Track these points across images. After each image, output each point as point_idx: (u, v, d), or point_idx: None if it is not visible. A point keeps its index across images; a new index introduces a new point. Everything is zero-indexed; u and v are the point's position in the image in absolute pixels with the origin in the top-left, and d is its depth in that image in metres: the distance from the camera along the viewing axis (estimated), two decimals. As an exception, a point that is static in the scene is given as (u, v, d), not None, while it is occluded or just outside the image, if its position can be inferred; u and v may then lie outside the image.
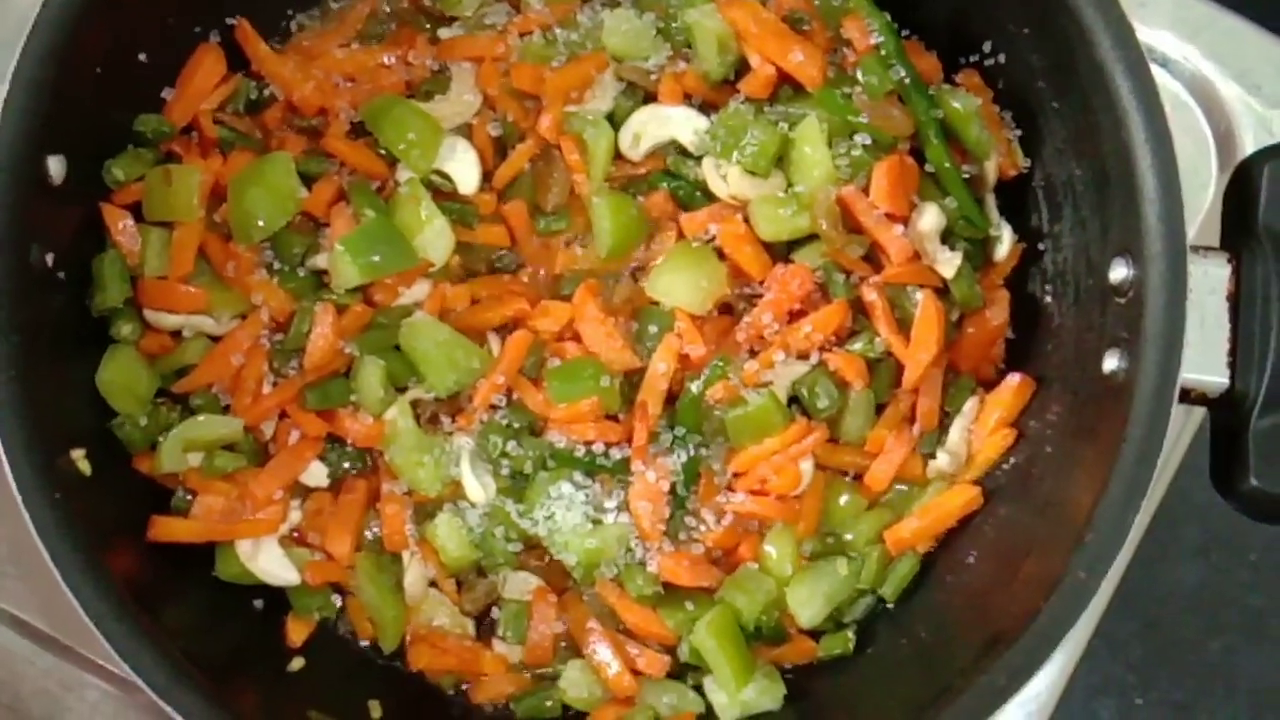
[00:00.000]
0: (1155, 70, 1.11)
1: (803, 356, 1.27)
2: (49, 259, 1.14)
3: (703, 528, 1.27)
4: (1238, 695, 1.94)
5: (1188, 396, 1.11)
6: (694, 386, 1.26)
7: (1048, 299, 1.26)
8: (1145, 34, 1.24)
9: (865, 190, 1.25)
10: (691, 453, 1.26)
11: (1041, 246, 1.27)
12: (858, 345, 1.27)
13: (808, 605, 1.27)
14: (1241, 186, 1.15)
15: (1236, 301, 1.11)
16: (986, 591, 1.21)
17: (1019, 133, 1.27)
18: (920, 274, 1.26)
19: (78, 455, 1.14)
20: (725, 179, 1.27)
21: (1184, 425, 1.41)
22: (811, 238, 1.27)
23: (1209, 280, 1.11)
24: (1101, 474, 1.08)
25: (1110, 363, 1.12)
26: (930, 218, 1.25)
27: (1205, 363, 1.10)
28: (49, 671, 1.32)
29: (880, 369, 1.28)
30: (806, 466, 1.26)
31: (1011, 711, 1.31)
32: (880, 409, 1.29)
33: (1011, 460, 1.27)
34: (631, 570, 1.25)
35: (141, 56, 1.24)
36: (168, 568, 1.21)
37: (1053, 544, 1.12)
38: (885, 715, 1.23)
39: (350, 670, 1.30)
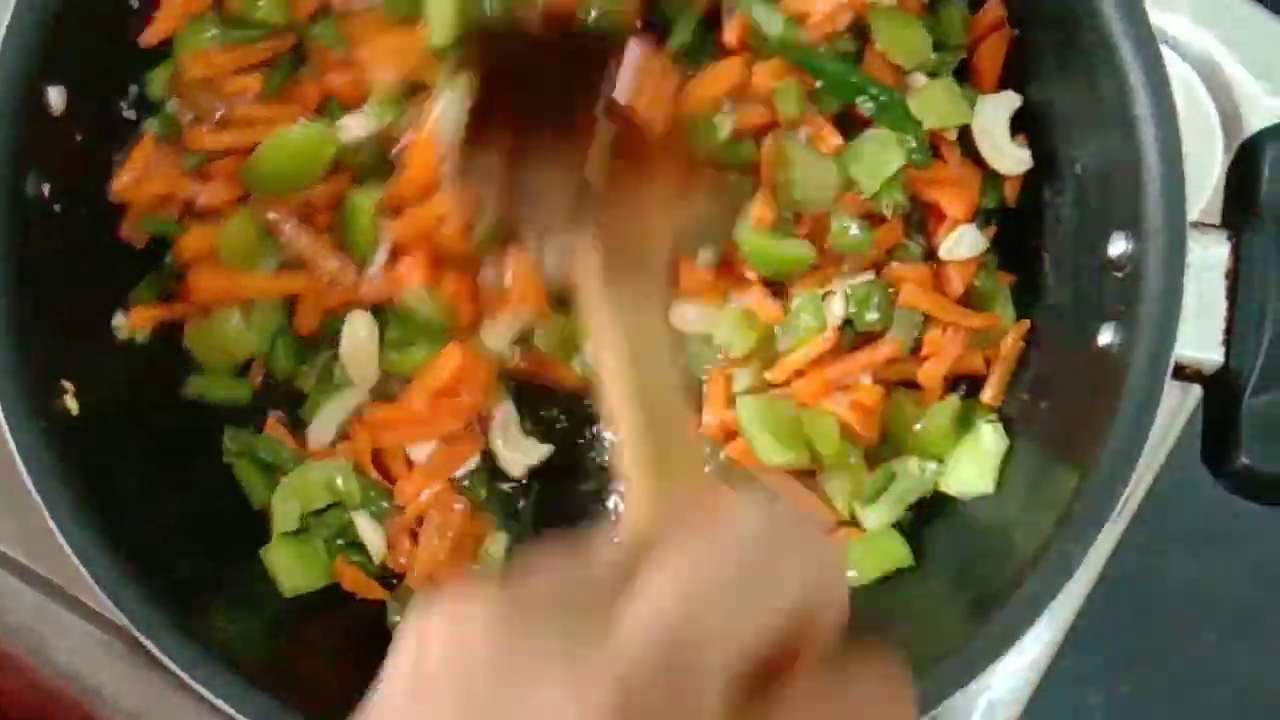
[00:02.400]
0: (1164, 51, 1.11)
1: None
2: (45, 189, 1.14)
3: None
4: (1228, 686, 1.94)
5: (1182, 373, 1.10)
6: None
7: (1045, 272, 1.26)
8: (1156, 16, 1.23)
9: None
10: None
11: (1041, 219, 1.27)
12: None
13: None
14: (1244, 165, 1.15)
15: (1235, 279, 1.11)
16: (969, 565, 1.22)
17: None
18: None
19: (67, 389, 1.14)
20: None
21: (1176, 411, 1.40)
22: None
23: (1208, 257, 1.11)
24: (1092, 446, 1.08)
25: (1105, 336, 1.12)
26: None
27: (1201, 339, 1.10)
28: (32, 607, 1.32)
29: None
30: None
31: (996, 688, 1.31)
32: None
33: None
34: None
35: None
36: (153, 498, 1.21)
37: (1038, 516, 1.12)
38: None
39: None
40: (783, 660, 0.60)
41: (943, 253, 1.28)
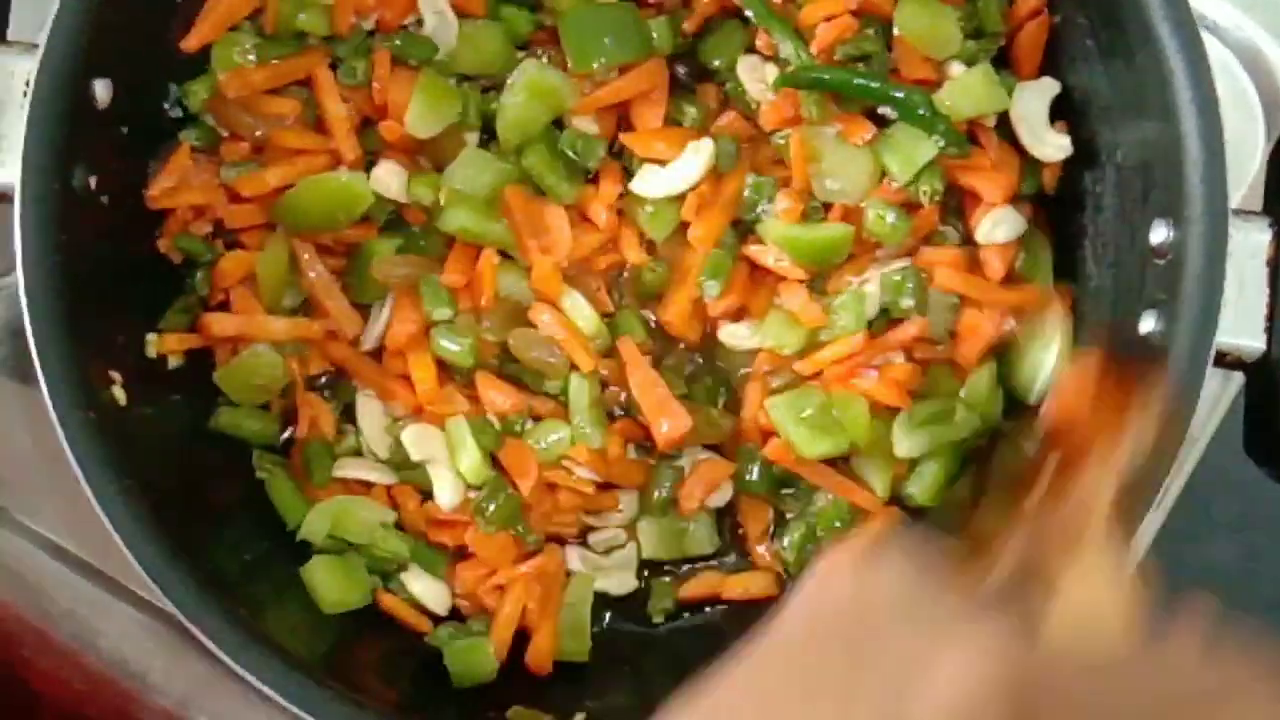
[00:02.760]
0: (1205, 37, 1.10)
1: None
2: (92, 182, 1.14)
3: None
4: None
5: (1224, 360, 1.10)
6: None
7: (1087, 260, 1.25)
8: (1197, 1, 1.23)
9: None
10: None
11: (1083, 206, 1.26)
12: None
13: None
14: (1287, 152, 1.14)
15: (1277, 267, 1.10)
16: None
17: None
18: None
19: (115, 380, 1.15)
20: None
21: (1219, 398, 1.40)
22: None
23: (1250, 244, 1.11)
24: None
25: (1147, 324, 1.12)
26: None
27: (1243, 327, 1.10)
28: (80, 595, 1.34)
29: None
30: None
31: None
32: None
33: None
34: None
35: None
36: (201, 492, 1.23)
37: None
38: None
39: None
40: None
41: (980, 236, 1.28)
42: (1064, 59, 1.26)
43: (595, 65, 1.28)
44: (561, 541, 1.32)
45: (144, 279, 1.25)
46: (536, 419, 1.30)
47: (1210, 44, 1.13)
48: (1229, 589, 1.94)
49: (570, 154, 1.30)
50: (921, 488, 1.29)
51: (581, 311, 1.29)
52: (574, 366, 1.29)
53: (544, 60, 1.30)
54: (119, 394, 1.15)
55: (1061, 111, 1.27)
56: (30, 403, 1.10)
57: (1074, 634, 0.84)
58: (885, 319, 1.30)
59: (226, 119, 1.28)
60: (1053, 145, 1.27)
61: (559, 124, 1.31)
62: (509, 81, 1.29)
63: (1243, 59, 1.43)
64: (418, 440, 1.27)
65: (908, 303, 1.27)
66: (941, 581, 0.61)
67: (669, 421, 1.28)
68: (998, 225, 1.28)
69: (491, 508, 1.25)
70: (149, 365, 1.23)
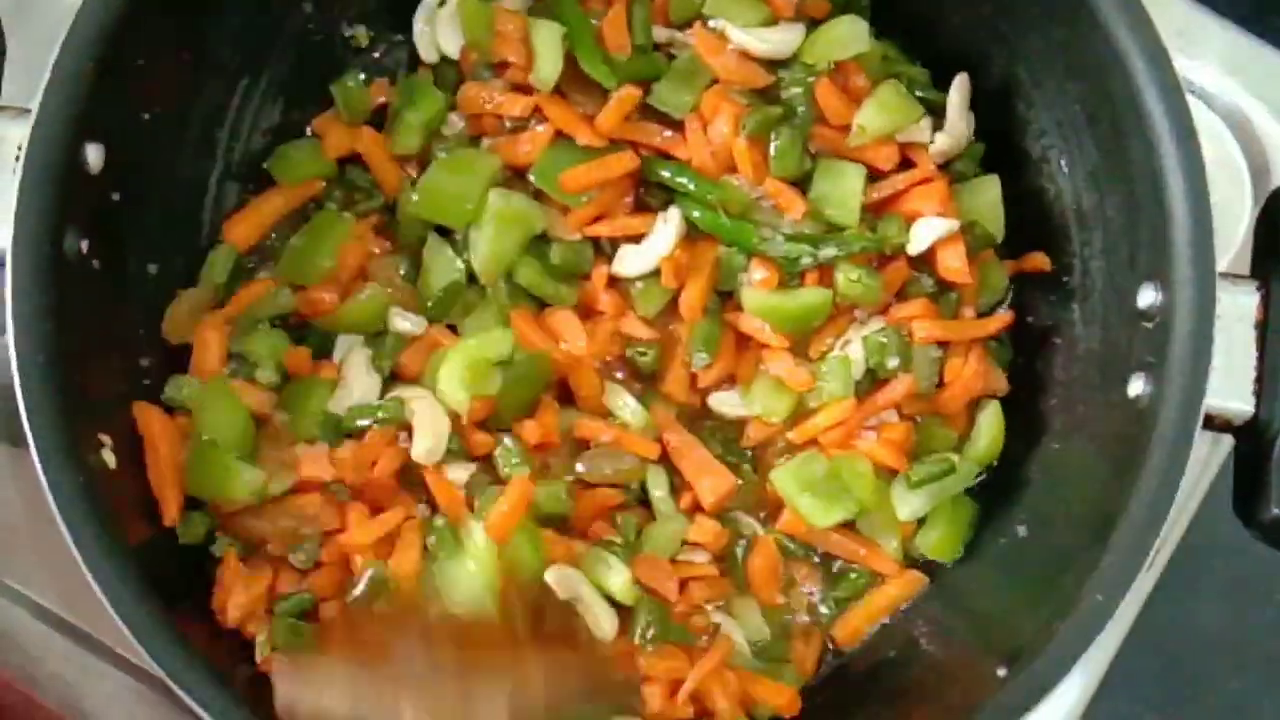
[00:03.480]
0: (1192, 103, 1.11)
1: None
2: (84, 246, 1.14)
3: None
4: (1258, 737, 1.93)
5: (1212, 423, 1.10)
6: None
7: (1076, 323, 1.26)
8: (1183, 65, 1.24)
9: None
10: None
11: (1071, 269, 1.27)
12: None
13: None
14: (1273, 215, 1.15)
15: (1264, 330, 1.11)
16: (1004, 612, 1.22)
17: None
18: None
19: (105, 443, 1.15)
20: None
21: (1208, 460, 1.40)
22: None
23: (1237, 307, 1.11)
24: (1123, 496, 1.08)
25: (1135, 387, 1.12)
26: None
27: (1231, 389, 1.10)
28: (67, 658, 1.33)
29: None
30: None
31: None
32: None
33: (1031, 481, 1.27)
34: None
35: (184, 54, 1.25)
36: (190, 556, 1.22)
37: (1071, 565, 1.11)
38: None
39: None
40: None
41: (913, 248, 1.30)
42: (1051, 123, 1.27)
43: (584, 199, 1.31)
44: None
45: (134, 343, 1.25)
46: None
47: (1197, 109, 1.14)
48: (1218, 649, 1.95)
49: (562, 264, 1.31)
50: (931, 544, 1.30)
51: (628, 405, 1.31)
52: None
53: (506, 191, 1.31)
54: (109, 457, 1.15)
55: (1049, 174, 1.28)
56: (20, 465, 1.10)
57: None
58: (871, 379, 1.31)
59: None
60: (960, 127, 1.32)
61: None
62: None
63: (1229, 124, 1.45)
64: (561, 581, 1.25)
65: (893, 362, 1.28)
66: None
67: (711, 481, 1.29)
68: (927, 228, 1.30)
69: (650, 629, 1.25)
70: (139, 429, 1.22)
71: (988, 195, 1.33)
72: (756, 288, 1.29)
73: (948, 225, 1.28)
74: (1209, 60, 1.47)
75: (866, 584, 1.31)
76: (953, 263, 1.29)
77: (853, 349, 1.30)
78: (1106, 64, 1.13)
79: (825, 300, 1.28)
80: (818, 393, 1.29)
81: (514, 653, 1.15)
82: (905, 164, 1.33)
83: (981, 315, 1.33)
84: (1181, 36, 1.45)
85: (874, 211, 1.32)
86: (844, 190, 1.29)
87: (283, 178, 1.36)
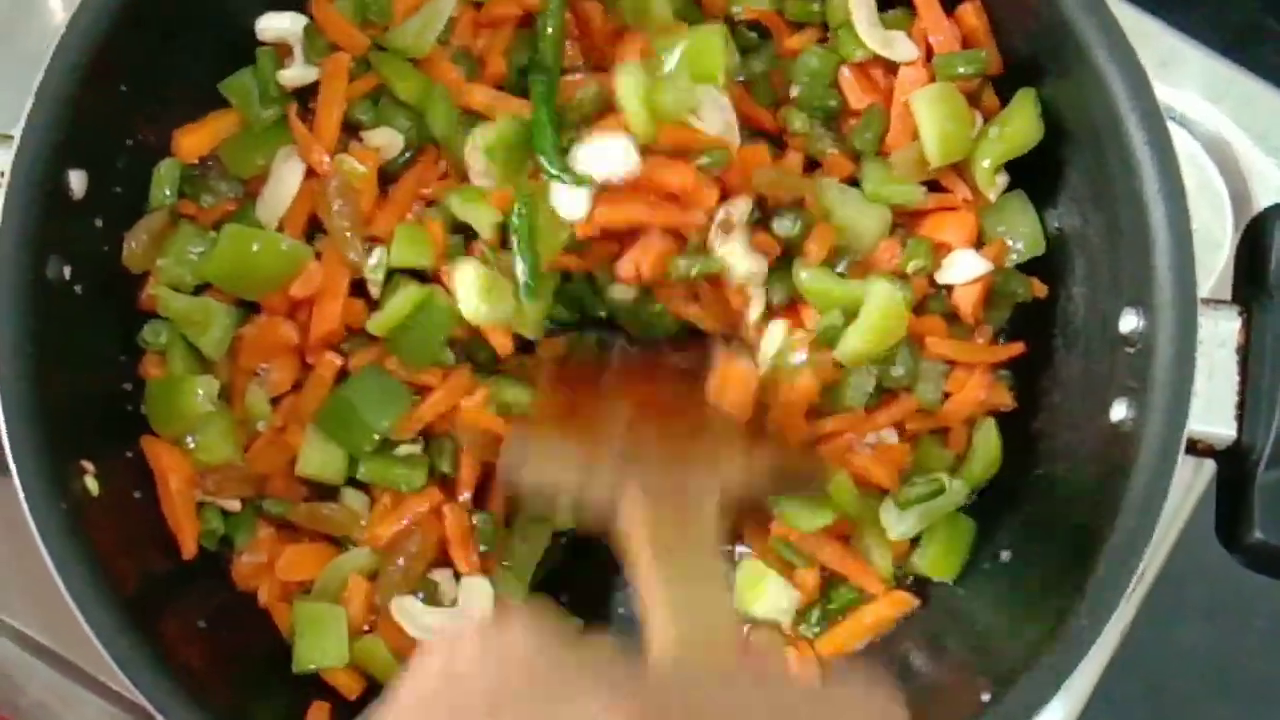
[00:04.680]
0: (1174, 129, 1.12)
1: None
2: (66, 272, 1.14)
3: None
4: (1241, 761, 1.93)
5: (1194, 448, 1.10)
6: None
7: (1058, 348, 1.26)
8: (1165, 92, 1.24)
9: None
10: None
11: (1054, 294, 1.27)
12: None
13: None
14: (1254, 241, 1.15)
15: (1246, 354, 1.11)
16: (987, 637, 1.22)
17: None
18: None
19: (87, 469, 1.15)
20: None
21: (1191, 484, 1.40)
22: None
23: (1219, 332, 1.11)
24: (1106, 520, 1.08)
25: (1118, 412, 1.12)
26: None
27: (1213, 414, 1.10)
28: (49, 685, 1.33)
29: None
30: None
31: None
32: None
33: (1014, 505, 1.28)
34: None
35: (169, 81, 1.24)
36: (174, 582, 1.22)
37: (1055, 589, 1.12)
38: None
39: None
40: None
41: (944, 278, 1.29)
42: (1035, 148, 1.27)
43: None
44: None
45: (118, 369, 1.25)
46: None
47: (1178, 135, 1.15)
48: (1202, 673, 1.95)
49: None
50: (927, 563, 1.29)
51: None
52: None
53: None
54: (92, 484, 1.15)
55: (1033, 201, 1.28)
56: (2, 493, 1.09)
57: (681, 647, 0.89)
58: (879, 391, 1.30)
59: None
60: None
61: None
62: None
63: (1210, 150, 1.45)
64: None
65: (898, 371, 1.27)
66: (559, 652, 0.62)
67: None
68: (957, 267, 1.28)
69: None
70: (123, 456, 1.22)
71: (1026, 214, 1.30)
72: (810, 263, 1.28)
73: (985, 267, 1.27)
74: (1190, 88, 1.47)
75: (856, 600, 1.31)
76: (968, 302, 1.28)
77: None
78: (1088, 91, 1.14)
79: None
80: (834, 398, 1.28)
81: (725, 448, 1.16)
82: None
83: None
84: (1163, 64, 1.46)
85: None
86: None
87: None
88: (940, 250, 1.29)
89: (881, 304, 1.23)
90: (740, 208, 1.25)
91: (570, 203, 1.22)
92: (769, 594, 1.30)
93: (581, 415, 1.18)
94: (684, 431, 1.17)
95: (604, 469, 1.10)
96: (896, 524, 1.28)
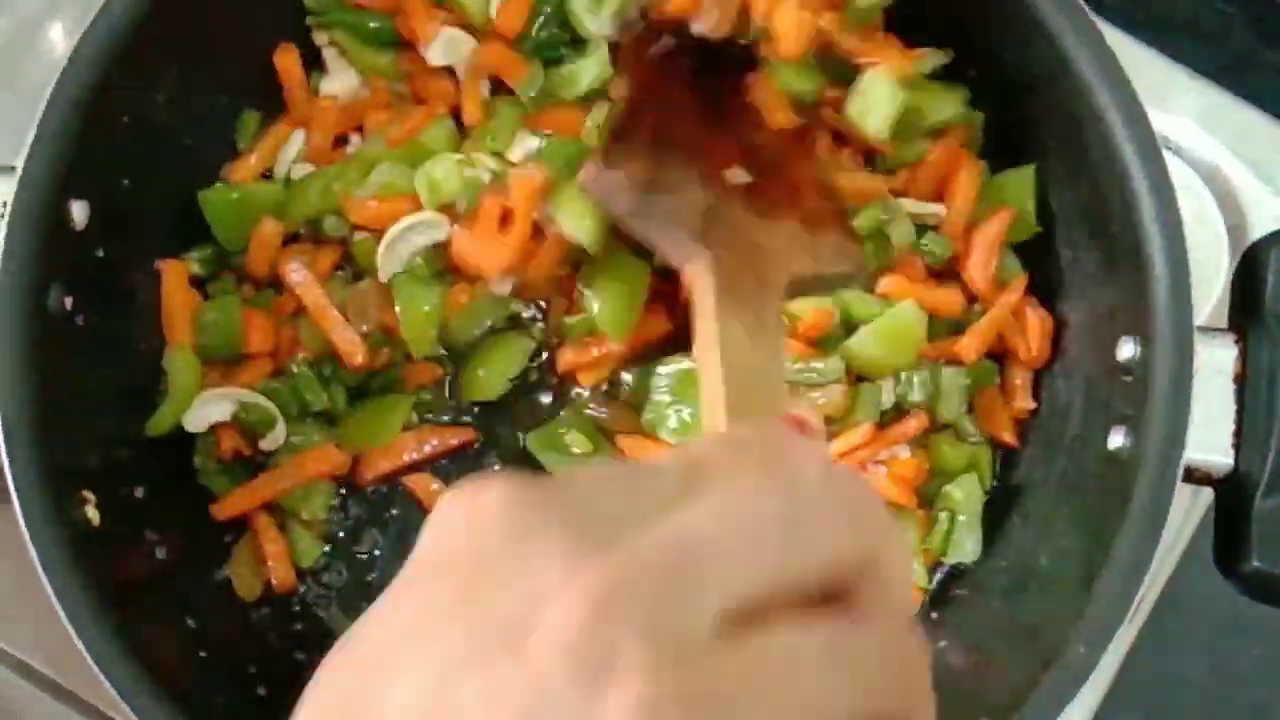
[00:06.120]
0: (1169, 159, 1.12)
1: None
2: (68, 302, 1.15)
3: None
4: (1239, 789, 1.93)
5: (1192, 476, 1.11)
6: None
7: (1056, 376, 1.27)
8: (1160, 121, 1.25)
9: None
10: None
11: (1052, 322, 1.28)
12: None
13: None
14: (1250, 269, 1.15)
15: (1243, 382, 1.11)
16: (984, 666, 1.21)
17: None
18: None
19: (88, 499, 1.15)
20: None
21: (1189, 512, 1.41)
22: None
23: (1216, 361, 1.11)
24: (1103, 549, 1.08)
25: (1115, 440, 1.13)
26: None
27: (1210, 442, 1.10)
28: (50, 715, 1.32)
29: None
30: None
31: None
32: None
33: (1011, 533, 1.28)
34: None
35: (169, 114, 1.25)
36: (176, 614, 1.22)
37: (1052, 618, 1.12)
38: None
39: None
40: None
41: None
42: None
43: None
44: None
45: (119, 399, 1.25)
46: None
47: (1174, 164, 1.15)
48: (1201, 702, 1.95)
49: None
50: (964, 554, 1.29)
51: None
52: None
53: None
54: (93, 514, 1.15)
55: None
56: (3, 521, 1.10)
57: (733, 411, 0.87)
58: (896, 409, 1.30)
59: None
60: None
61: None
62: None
63: (1206, 178, 1.46)
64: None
65: (917, 396, 1.27)
66: (549, 515, 0.60)
67: None
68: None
69: None
70: (124, 486, 1.22)
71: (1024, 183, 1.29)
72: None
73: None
74: (1186, 116, 1.48)
75: None
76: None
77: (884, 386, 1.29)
78: (1083, 120, 1.14)
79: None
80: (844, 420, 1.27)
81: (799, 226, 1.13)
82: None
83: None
84: (1158, 93, 1.46)
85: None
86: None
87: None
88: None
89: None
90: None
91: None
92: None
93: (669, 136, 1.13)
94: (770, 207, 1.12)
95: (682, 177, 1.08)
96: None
